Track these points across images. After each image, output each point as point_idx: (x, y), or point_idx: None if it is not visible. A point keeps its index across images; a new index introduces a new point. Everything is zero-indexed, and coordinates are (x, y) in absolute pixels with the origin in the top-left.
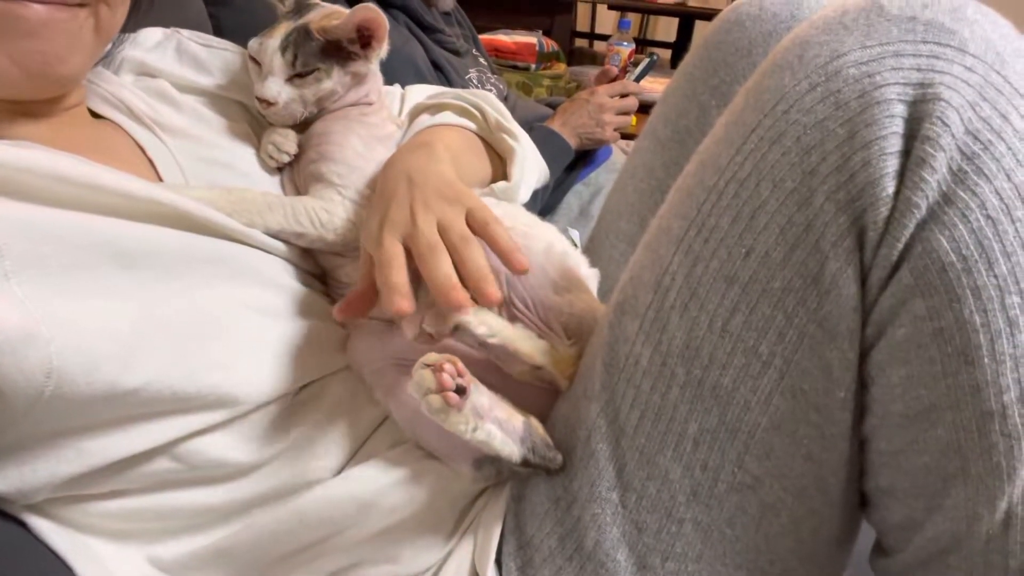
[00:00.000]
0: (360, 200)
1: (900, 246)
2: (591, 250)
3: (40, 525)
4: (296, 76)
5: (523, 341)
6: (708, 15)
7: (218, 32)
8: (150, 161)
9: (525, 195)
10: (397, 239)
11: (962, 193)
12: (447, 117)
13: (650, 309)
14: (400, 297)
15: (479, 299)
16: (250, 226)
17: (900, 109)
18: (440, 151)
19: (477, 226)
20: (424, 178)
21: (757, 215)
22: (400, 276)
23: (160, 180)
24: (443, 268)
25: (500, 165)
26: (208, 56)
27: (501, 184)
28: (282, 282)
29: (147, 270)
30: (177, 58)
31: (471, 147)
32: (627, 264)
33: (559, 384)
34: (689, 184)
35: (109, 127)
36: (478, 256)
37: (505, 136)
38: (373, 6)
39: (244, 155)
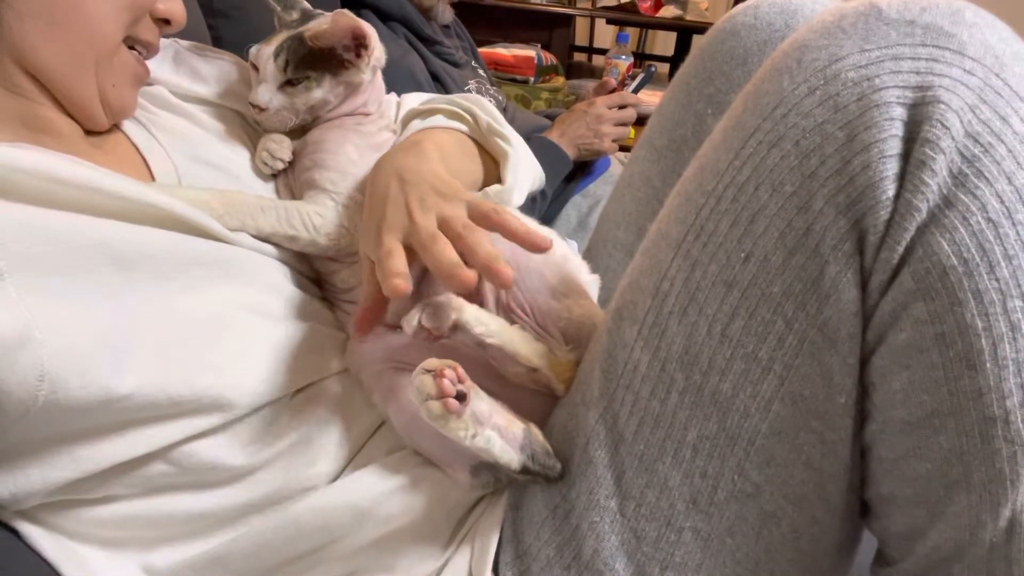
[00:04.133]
0: (352, 205)
1: (901, 249)
2: (589, 259)
3: (31, 532)
4: (287, 84)
5: (521, 343)
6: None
7: (216, 43)
8: (144, 159)
9: (519, 199)
10: (397, 239)
11: (963, 196)
12: (438, 120)
13: (649, 314)
14: (397, 278)
15: (493, 281)
16: (242, 228)
17: (899, 112)
18: (429, 150)
19: (483, 217)
20: (416, 176)
21: (756, 219)
22: (399, 263)
23: (153, 178)
24: (447, 253)
25: (494, 169)
26: (205, 65)
27: (495, 187)
28: (278, 285)
29: (142, 272)
30: (174, 67)
31: (462, 148)
32: (625, 272)
33: (556, 388)
34: (688, 189)
35: None
36: (485, 241)
37: (498, 139)
38: (350, 12)
39: (237, 159)
